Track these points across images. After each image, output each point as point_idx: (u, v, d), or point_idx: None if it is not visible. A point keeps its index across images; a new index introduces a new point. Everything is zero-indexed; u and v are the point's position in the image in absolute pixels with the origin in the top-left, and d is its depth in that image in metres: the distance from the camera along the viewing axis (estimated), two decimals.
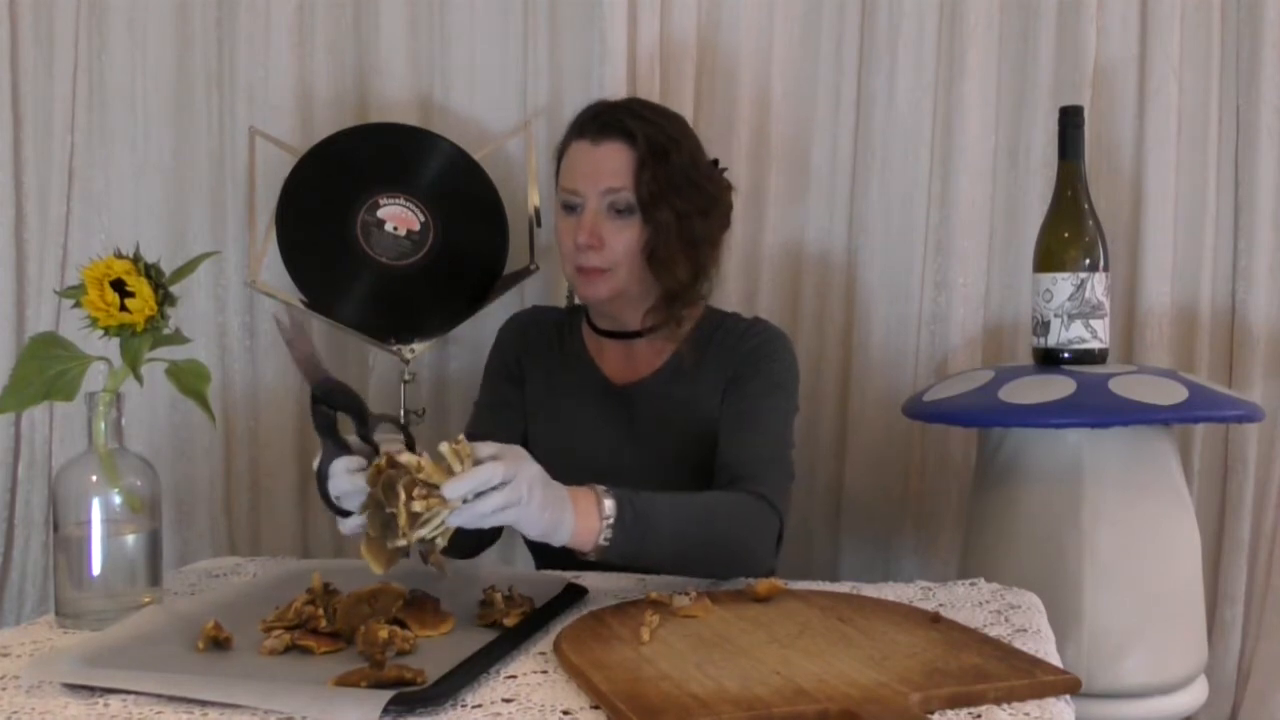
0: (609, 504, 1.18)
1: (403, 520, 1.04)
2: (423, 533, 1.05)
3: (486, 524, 1.07)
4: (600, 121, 1.46)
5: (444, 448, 1.06)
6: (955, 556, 1.90)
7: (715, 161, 1.56)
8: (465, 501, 1.05)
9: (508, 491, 1.07)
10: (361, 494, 1.10)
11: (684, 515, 1.27)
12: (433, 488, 1.04)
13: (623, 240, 1.45)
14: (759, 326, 1.53)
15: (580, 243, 1.44)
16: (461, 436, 1.08)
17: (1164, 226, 1.90)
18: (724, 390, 1.47)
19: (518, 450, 1.12)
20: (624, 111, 1.48)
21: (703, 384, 1.49)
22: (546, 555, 1.55)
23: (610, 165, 1.44)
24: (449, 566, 1.19)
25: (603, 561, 1.21)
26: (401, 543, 1.05)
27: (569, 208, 1.48)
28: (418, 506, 1.04)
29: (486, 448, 1.09)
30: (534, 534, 1.13)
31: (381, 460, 1.06)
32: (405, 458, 1.05)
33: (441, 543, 1.07)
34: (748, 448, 1.41)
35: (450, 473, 1.05)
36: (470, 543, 1.56)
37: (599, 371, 1.56)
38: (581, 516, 1.16)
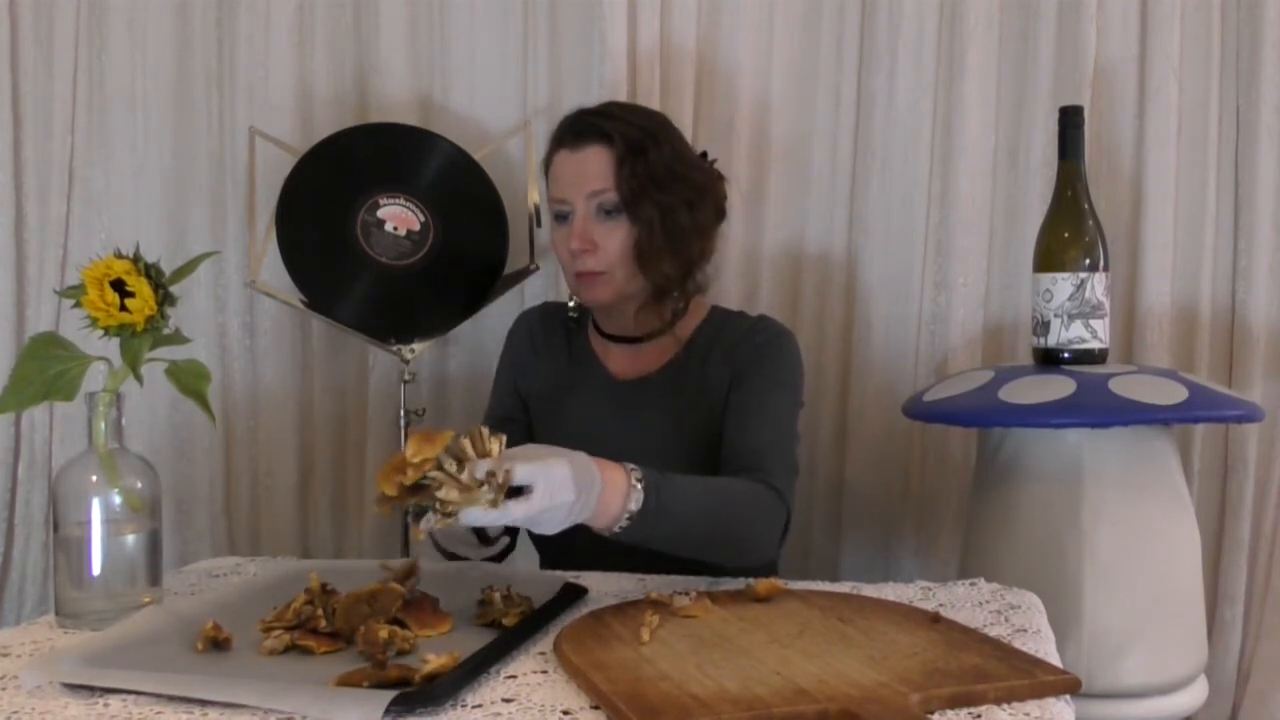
0: (635, 499, 1.18)
1: (415, 535, 1.05)
2: (439, 522, 1.04)
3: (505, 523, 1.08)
4: (576, 129, 1.48)
5: (481, 472, 1.02)
6: (955, 556, 1.90)
7: (704, 154, 1.57)
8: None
9: (523, 519, 1.07)
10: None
11: (699, 504, 1.27)
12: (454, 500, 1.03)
13: (615, 241, 1.46)
14: (764, 324, 1.54)
15: (574, 249, 1.46)
16: (498, 451, 1.05)
17: (1164, 226, 1.90)
18: (729, 386, 1.48)
19: (555, 474, 1.08)
20: (599, 115, 1.49)
21: (708, 381, 1.50)
22: (551, 554, 1.56)
23: (592, 168, 1.45)
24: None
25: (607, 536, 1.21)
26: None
27: (560, 217, 1.49)
28: (437, 525, 1.03)
29: (523, 469, 1.05)
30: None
31: (416, 456, 1.03)
32: (444, 492, 1.02)
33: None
34: (752, 440, 1.42)
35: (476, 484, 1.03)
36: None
37: (604, 368, 1.56)
38: (604, 506, 1.16)
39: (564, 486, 1.08)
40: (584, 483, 1.11)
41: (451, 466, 1.02)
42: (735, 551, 1.33)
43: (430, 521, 1.03)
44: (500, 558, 1.45)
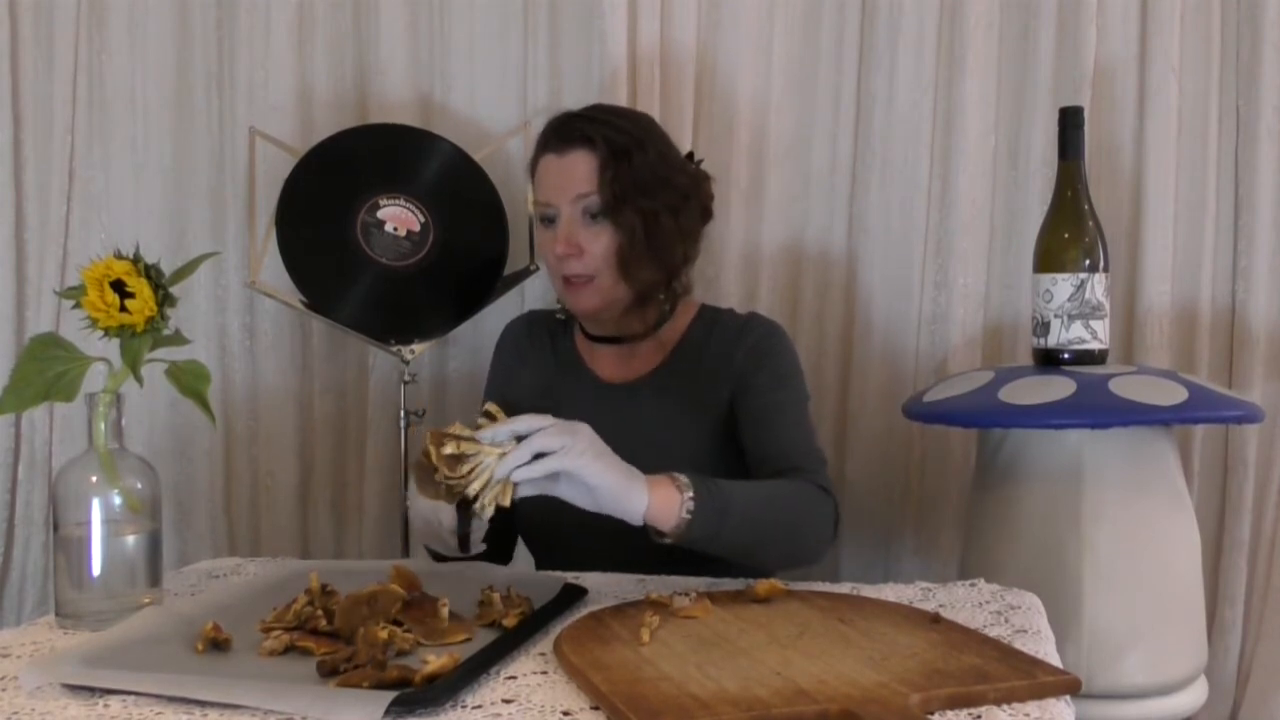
0: (683, 479, 1.20)
1: (440, 465, 1.09)
2: (475, 487, 1.09)
3: (537, 473, 1.10)
4: (561, 134, 1.48)
5: (488, 408, 1.14)
6: (955, 556, 1.90)
7: (690, 155, 1.56)
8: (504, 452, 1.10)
9: (552, 433, 1.11)
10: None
11: (756, 498, 1.27)
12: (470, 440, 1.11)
13: (600, 245, 1.45)
14: (755, 322, 1.54)
15: (559, 253, 1.45)
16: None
17: (1164, 226, 1.90)
18: (731, 391, 1.48)
19: (551, 419, 1.16)
20: (583, 120, 1.48)
21: (701, 382, 1.50)
22: (546, 555, 1.55)
23: (577, 172, 1.45)
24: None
25: (681, 543, 1.20)
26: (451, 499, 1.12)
27: (547, 220, 1.49)
28: (449, 448, 1.09)
29: (519, 418, 1.14)
30: (602, 491, 1.14)
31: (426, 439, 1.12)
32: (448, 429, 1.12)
33: (497, 504, 1.11)
34: (779, 442, 1.42)
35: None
36: (500, 540, 1.57)
37: (592, 373, 1.56)
38: (657, 487, 1.18)
39: (566, 422, 1.15)
40: (601, 443, 1.17)
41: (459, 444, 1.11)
42: (797, 550, 1.33)
43: (493, 492, 1.10)
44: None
